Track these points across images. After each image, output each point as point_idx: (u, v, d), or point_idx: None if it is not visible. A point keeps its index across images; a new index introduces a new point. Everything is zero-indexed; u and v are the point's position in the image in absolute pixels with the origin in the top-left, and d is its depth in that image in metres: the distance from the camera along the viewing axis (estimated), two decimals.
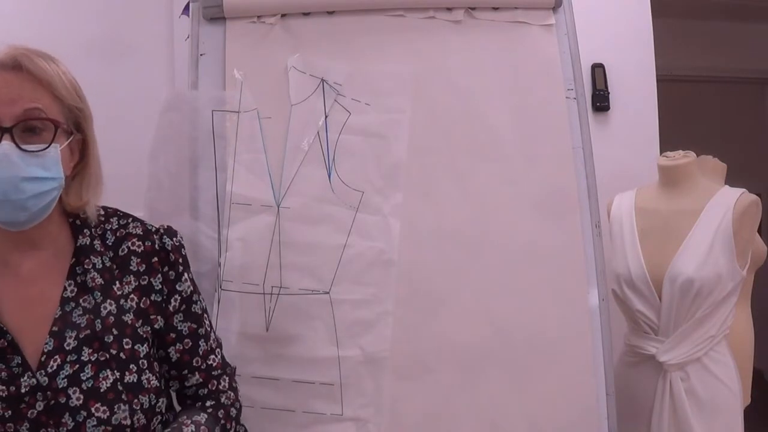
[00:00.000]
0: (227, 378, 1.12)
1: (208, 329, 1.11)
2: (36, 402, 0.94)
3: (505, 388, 1.41)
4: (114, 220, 1.07)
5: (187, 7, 1.61)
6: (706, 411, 1.69)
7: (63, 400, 0.94)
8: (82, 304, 1.00)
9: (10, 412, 0.93)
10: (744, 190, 1.75)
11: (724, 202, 1.72)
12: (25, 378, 0.95)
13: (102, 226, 1.06)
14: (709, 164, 1.97)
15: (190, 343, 1.07)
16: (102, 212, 1.07)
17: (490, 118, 1.50)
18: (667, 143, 2.19)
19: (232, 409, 1.11)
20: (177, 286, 1.07)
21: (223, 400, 1.10)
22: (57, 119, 0.97)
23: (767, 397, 2.44)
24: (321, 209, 1.43)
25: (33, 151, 0.94)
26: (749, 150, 3.94)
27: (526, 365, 1.42)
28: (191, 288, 1.09)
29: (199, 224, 1.42)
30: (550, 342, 1.43)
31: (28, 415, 0.94)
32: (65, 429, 0.94)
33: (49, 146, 0.95)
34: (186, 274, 1.09)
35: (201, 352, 1.08)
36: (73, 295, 1.00)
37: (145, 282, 1.05)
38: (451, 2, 1.52)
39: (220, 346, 1.14)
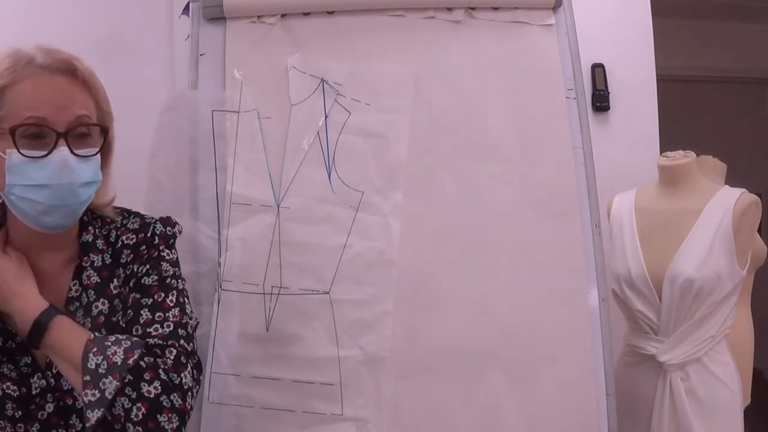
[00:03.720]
0: (174, 351, 0.96)
1: (160, 302, 1.01)
2: (46, 403, 0.95)
3: (505, 388, 1.41)
4: (120, 218, 1.08)
5: (187, 7, 1.61)
6: (706, 411, 1.69)
7: (70, 401, 0.94)
8: (82, 303, 1.00)
9: (20, 412, 0.94)
10: (744, 190, 1.75)
11: (724, 202, 1.72)
12: (35, 379, 0.96)
13: (107, 226, 1.07)
14: (709, 164, 1.97)
15: (132, 314, 1.00)
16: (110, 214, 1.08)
17: (490, 118, 1.50)
18: (667, 143, 2.19)
19: (164, 357, 0.95)
20: (144, 266, 1.04)
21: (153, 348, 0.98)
22: (102, 124, 0.98)
23: (767, 397, 2.44)
24: (321, 209, 1.43)
25: (85, 156, 0.95)
26: (749, 150, 3.94)
27: (526, 365, 1.42)
28: (153, 267, 1.05)
29: (199, 224, 1.42)
30: (550, 342, 1.43)
31: (39, 417, 0.95)
32: (74, 430, 0.95)
33: (98, 151, 0.97)
34: (161, 255, 1.06)
35: (142, 321, 0.99)
36: (78, 294, 1.00)
37: (129, 272, 1.04)
38: (451, 2, 1.52)
39: (182, 325, 1.01)
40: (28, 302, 0.93)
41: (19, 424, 0.94)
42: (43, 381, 0.96)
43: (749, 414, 1.79)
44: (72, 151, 0.93)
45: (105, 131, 0.98)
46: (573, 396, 1.42)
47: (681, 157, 1.81)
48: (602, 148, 1.76)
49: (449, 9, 1.53)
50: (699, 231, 1.71)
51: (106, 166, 1.05)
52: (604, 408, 1.42)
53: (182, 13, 1.81)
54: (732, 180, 1.91)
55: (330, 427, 1.37)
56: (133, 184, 1.35)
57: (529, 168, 1.48)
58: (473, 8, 1.53)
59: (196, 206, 1.43)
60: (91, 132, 0.97)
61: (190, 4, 1.53)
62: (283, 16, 1.50)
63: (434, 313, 1.42)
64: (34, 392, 0.95)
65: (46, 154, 0.91)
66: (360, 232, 1.43)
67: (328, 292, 1.40)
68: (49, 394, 0.95)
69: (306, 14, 1.51)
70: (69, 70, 0.95)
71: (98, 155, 0.98)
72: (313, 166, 1.44)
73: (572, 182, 1.48)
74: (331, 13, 1.51)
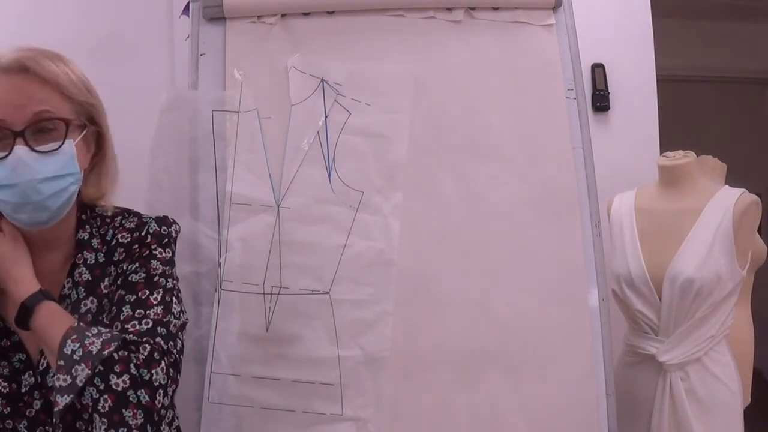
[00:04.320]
0: (148, 347, 0.94)
1: (144, 299, 1.00)
2: (34, 401, 0.96)
3: (504, 388, 1.41)
4: (119, 218, 1.08)
5: (187, 7, 1.61)
6: (706, 411, 1.69)
7: (52, 398, 0.95)
8: (71, 300, 1.01)
9: (9, 409, 0.95)
10: (744, 190, 1.75)
11: (724, 202, 1.72)
12: (26, 376, 0.97)
13: (106, 225, 1.07)
14: (709, 164, 1.97)
15: (115, 310, 1.00)
16: (108, 211, 1.08)
17: (490, 118, 1.50)
18: (667, 143, 2.19)
19: (137, 353, 0.93)
20: (133, 264, 1.03)
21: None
22: (66, 117, 0.97)
23: (767, 397, 2.44)
24: (321, 209, 1.43)
25: (46, 152, 0.95)
26: (749, 150, 3.94)
27: (526, 365, 1.42)
28: (142, 265, 1.03)
29: (199, 224, 1.42)
30: (550, 342, 1.43)
31: (27, 414, 0.96)
32: (59, 429, 0.95)
33: (62, 144, 0.96)
34: (152, 253, 1.04)
35: (123, 318, 0.98)
36: (69, 292, 1.01)
37: (120, 270, 1.03)
38: (451, 2, 1.52)
39: (162, 324, 0.98)
40: (21, 285, 0.94)
41: (7, 421, 0.95)
42: (33, 378, 0.97)
43: (749, 414, 1.79)
44: (32, 148, 0.93)
45: (67, 123, 0.97)
46: (573, 396, 1.42)
47: (681, 157, 1.81)
48: (602, 148, 1.76)
49: (449, 9, 1.53)
50: (699, 231, 1.71)
51: (101, 159, 1.05)
52: (604, 408, 1.42)
53: (182, 13, 1.81)
54: (732, 180, 1.91)
55: (330, 427, 1.37)
56: (133, 184, 1.34)
57: (529, 168, 1.48)
58: (473, 8, 1.53)
59: (196, 206, 1.43)
60: (56, 126, 0.96)
61: (190, 4, 1.53)
62: (283, 16, 1.50)
63: (434, 313, 1.42)
64: (23, 389, 0.96)
65: (6, 155, 0.92)
66: (360, 232, 1.43)
67: (328, 292, 1.40)
68: (36, 392, 0.96)
69: (306, 14, 1.51)
70: (22, 69, 0.95)
71: (69, 147, 0.97)
72: (313, 166, 1.44)
73: (572, 182, 1.48)
74: (331, 13, 1.51)
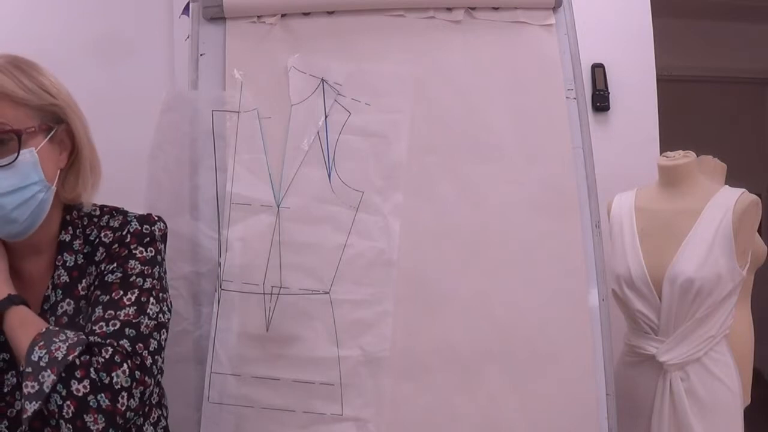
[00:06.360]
0: (110, 350, 0.93)
1: (117, 299, 0.98)
2: (15, 401, 0.96)
3: (505, 388, 1.41)
4: (106, 217, 1.06)
5: (187, 7, 1.61)
6: (706, 411, 1.69)
7: (21, 405, 0.95)
8: (50, 303, 1.01)
9: None
10: (744, 190, 1.75)
11: (724, 202, 1.72)
12: (8, 376, 0.97)
13: (93, 225, 1.06)
14: (709, 164, 1.97)
15: (90, 311, 0.99)
16: (97, 211, 1.07)
17: (490, 118, 1.50)
18: (667, 143, 2.19)
19: (99, 356, 0.92)
20: (111, 264, 1.02)
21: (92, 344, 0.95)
22: (20, 127, 0.95)
23: (767, 397, 2.44)
24: (321, 209, 1.43)
25: (2, 166, 0.93)
26: (749, 150, 3.94)
27: (526, 365, 1.42)
28: (120, 265, 1.02)
29: (199, 224, 1.42)
30: (550, 342, 1.43)
31: (8, 414, 0.96)
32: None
33: (17, 157, 0.94)
34: (131, 253, 1.03)
35: (93, 318, 0.97)
36: (49, 294, 1.01)
37: (99, 270, 1.02)
38: (451, 2, 1.52)
39: (131, 325, 0.96)
40: None
41: None
42: (15, 379, 0.96)
43: (749, 414, 1.79)
44: None
45: (19, 134, 0.95)
46: (573, 396, 1.42)
47: (681, 157, 1.81)
48: (602, 148, 1.76)
49: (449, 9, 1.53)
50: (699, 231, 1.71)
51: (78, 155, 1.03)
52: (604, 408, 1.42)
53: (182, 13, 1.81)
54: (732, 180, 1.91)
55: (330, 427, 1.37)
56: (133, 184, 1.35)
57: (529, 168, 1.48)
58: (473, 8, 1.53)
59: (196, 206, 1.43)
60: (11, 138, 0.94)
61: (190, 4, 1.53)
62: (283, 16, 1.51)
63: (434, 313, 1.42)
64: (6, 389, 0.96)
65: None
66: (360, 232, 1.43)
67: (328, 292, 1.40)
68: (18, 392, 0.96)
69: (306, 14, 1.51)
70: None
71: (30, 155, 0.96)
72: (313, 166, 1.44)
73: (572, 182, 1.48)
74: (331, 13, 1.51)
